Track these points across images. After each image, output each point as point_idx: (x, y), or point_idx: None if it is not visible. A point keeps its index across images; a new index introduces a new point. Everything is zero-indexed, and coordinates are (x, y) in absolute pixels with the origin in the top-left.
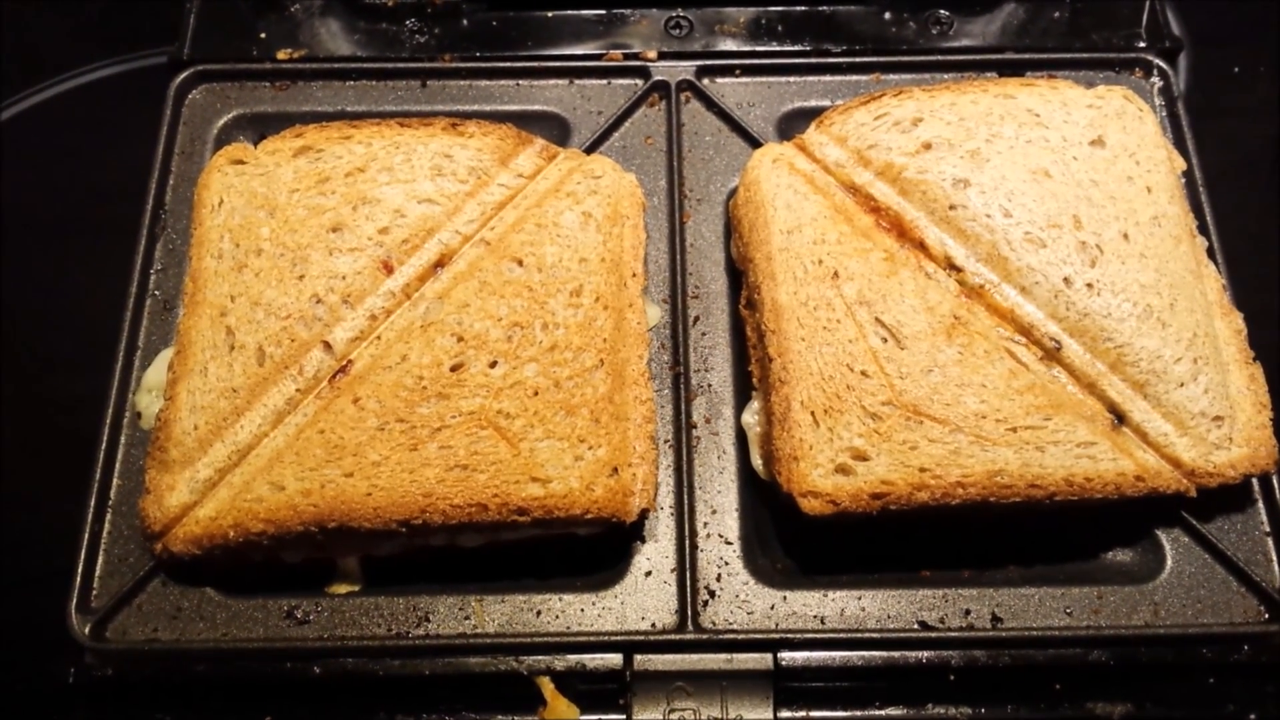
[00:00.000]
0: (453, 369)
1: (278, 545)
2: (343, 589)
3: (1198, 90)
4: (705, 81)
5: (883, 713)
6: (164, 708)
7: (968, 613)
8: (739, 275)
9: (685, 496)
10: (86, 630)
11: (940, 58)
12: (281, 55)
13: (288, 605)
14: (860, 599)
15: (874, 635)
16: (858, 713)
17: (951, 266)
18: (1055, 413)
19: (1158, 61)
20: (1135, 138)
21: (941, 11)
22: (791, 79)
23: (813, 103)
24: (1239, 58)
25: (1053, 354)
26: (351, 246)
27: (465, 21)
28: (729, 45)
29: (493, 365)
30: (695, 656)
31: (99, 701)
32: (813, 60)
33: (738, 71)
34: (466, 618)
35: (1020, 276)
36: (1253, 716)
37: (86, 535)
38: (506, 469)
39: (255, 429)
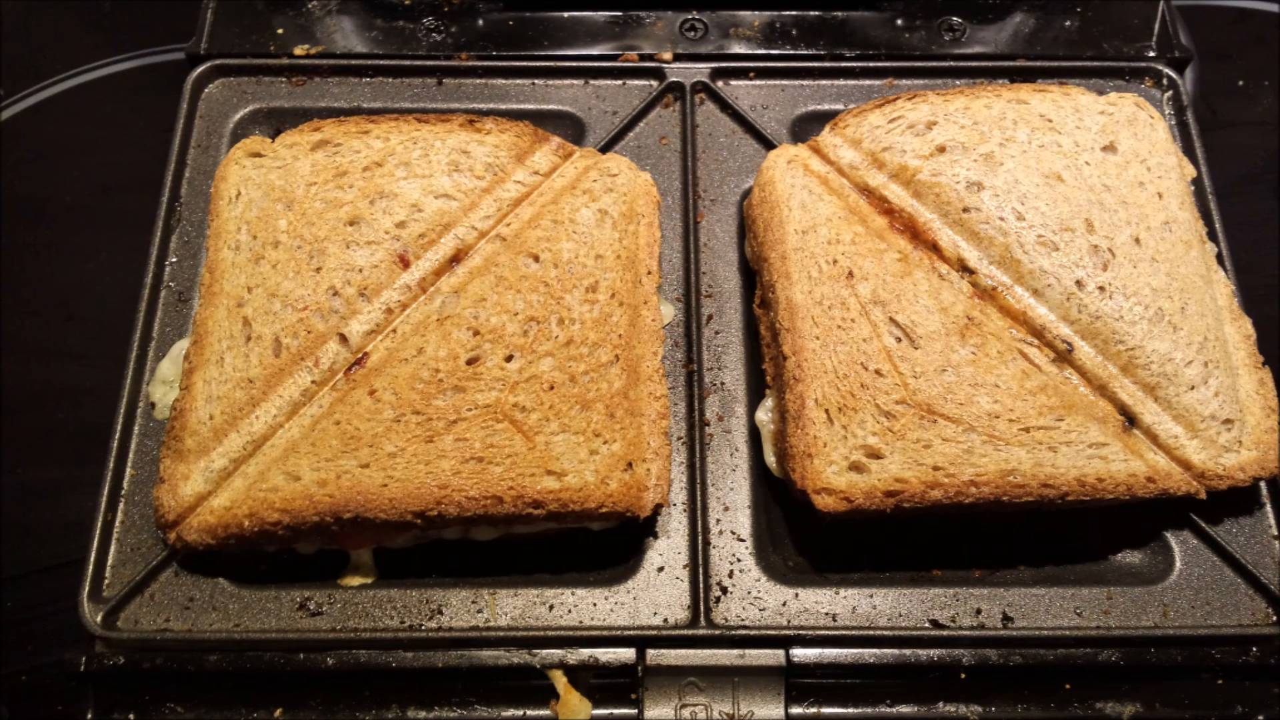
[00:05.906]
0: (469, 362)
1: (292, 535)
2: (356, 581)
3: (1202, 103)
4: (720, 83)
5: (894, 710)
6: (175, 698)
7: (979, 612)
8: (752, 275)
9: (698, 493)
10: (98, 619)
11: (953, 64)
12: (299, 51)
13: (301, 597)
14: (872, 597)
15: (885, 633)
16: (869, 710)
17: (964, 268)
18: (1067, 414)
19: (1167, 71)
20: (1146, 144)
21: (953, 19)
22: (805, 82)
23: (826, 106)
24: (1243, 72)
25: (1065, 356)
26: (368, 240)
27: (481, 21)
28: (743, 49)
29: (509, 359)
30: (707, 652)
31: (110, 691)
32: (826, 64)
33: (752, 74)
34: (479, 611)
35: (1033, 279)
36: (1261, 718)
37: (99, 524)
38: (522, 462)
39: (271, 419)
